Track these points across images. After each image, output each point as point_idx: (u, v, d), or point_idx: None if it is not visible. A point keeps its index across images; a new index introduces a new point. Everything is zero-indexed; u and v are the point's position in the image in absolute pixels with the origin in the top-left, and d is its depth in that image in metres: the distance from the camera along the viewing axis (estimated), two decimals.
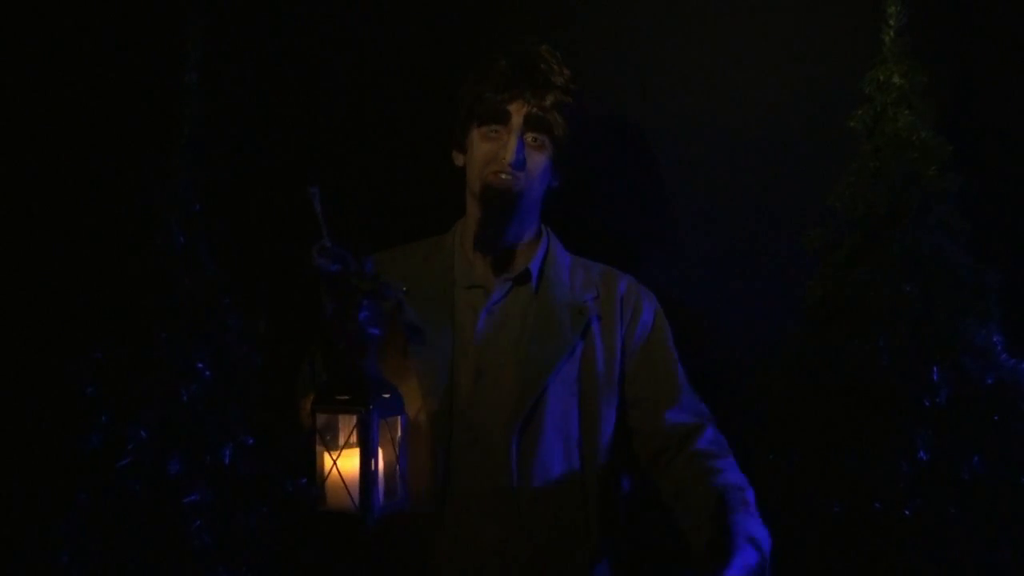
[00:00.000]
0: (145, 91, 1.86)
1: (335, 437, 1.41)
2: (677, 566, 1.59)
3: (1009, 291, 1.53)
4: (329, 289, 1.41)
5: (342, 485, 1.39)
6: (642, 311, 1.68)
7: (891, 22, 1.59)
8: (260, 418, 1.39)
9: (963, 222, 1.55)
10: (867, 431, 1.48)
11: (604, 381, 1.63)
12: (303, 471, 1.40)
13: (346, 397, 1.39)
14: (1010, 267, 1.54)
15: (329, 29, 2.02)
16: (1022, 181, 1.77)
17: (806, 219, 1.64)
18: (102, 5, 1.95)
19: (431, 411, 1.58)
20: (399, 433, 1.45)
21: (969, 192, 1.56)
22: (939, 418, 1.46)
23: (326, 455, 1.41)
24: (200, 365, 1.35)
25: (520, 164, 1.60)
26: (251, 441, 1.36)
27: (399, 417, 1.46)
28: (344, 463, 1.40)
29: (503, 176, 1.60)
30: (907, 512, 1.43)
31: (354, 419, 1.39)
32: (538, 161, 1.62)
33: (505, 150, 1.60)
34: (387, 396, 1.43)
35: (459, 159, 1.70)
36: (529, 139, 1.61)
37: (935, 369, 1.47)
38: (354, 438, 1.39)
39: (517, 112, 1.61)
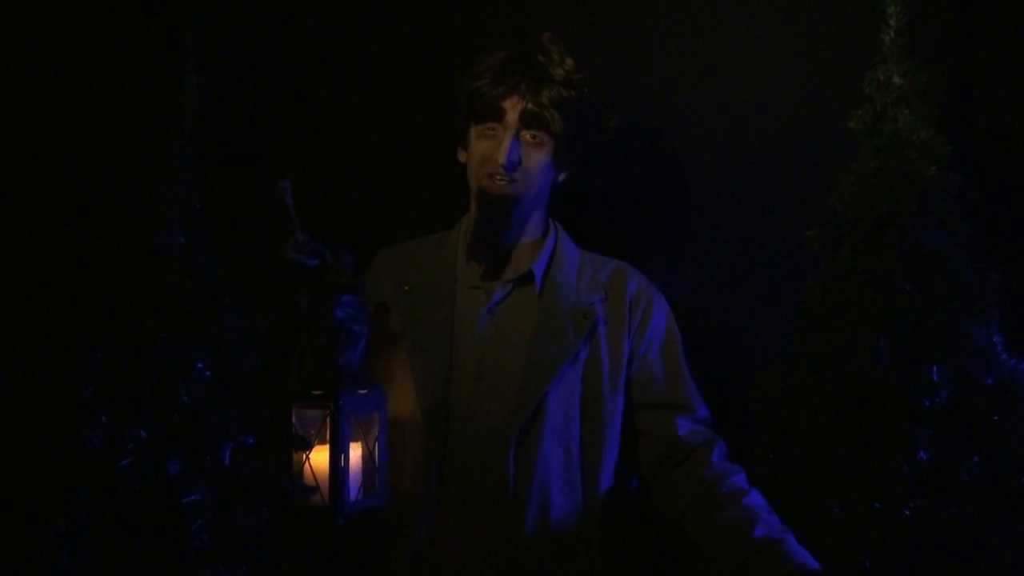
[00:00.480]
0: (145, 91, 1.85)
1: (309, 432, 1.41)
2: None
3: (1009, 291, 1.53)
4: (305, 283, 1.40)
5: (314, 480, 1.40)
6: (652, 315, 1.64)
7: (891, 22, 1.59)
8: (260, 418, 1.39)
9: (963, 222, 1.55)
10: (867, 431, 1.48)
11: (609, 387, 1.59)
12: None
13: (319, 392, 1.40)
14: (1010, 267, 1.54)
15: (330, 26, 2.01)
16: (1022, 181, 1.77)
17: (806, 219, 1.64)
18: (102, 5, 1.95)
19: (426, 410, 1.56)
20: (376, 430, 1.44)
21: (969, 192, 1.56)
22: (939, 418, 1.46)
23: (302, 450, 1.42)
24: (200, 365, 1.35)
25: (513, 165, 1.54)
26: (251, 441, 1.36)
27: (378, 414, 1.44)
28: (316, 458, 1.40)
29: (498, 180, 1.55)
30: (907, 512, 1.43)
31: (326, 414, 1.39)
32: (537, 159, 1.57)
33: (498, 151, 1.55)
34: (363, 392, 1.42)
35: (462, 155, 1.66)
36: (527, 136, 1.56)
37: (935, 369, 1.47)
38: (327, 434, 1.39)
39: (512, 109, 1.55)
